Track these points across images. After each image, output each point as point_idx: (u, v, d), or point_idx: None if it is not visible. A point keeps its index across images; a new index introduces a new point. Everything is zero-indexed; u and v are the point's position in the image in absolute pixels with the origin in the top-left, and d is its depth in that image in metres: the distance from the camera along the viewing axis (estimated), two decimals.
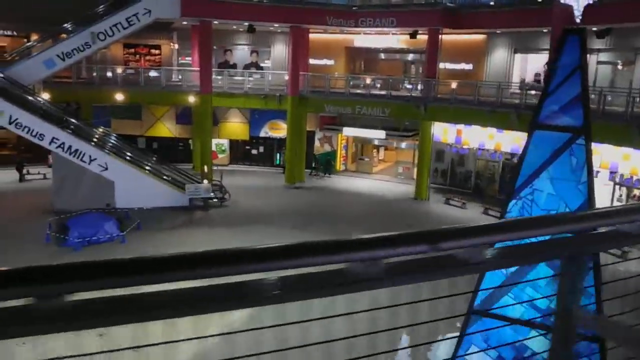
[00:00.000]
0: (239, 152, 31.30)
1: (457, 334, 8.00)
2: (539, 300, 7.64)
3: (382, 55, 30.41)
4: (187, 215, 22.39)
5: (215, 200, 23.43)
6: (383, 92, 25.33)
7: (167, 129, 30.26)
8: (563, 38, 8.46)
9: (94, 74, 26.71)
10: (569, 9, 19.84)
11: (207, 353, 10.83)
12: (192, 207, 22.82)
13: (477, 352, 7.73)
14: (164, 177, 23.19)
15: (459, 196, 24.75)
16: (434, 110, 23.24)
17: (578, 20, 9.41)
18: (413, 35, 24.22)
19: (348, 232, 15.92)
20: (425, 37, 24.18)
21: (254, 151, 31.30)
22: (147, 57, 31.11)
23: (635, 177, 18.70)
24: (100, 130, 24.80)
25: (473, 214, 23.06)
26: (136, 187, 21.67)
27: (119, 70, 27.11)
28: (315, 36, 27.84)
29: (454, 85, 22.77)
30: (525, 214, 8.44)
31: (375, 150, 32.37)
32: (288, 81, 26.02)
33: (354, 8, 25.72)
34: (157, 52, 31.22)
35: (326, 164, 29.46)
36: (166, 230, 20.36)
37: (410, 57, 29.98)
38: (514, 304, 7.38)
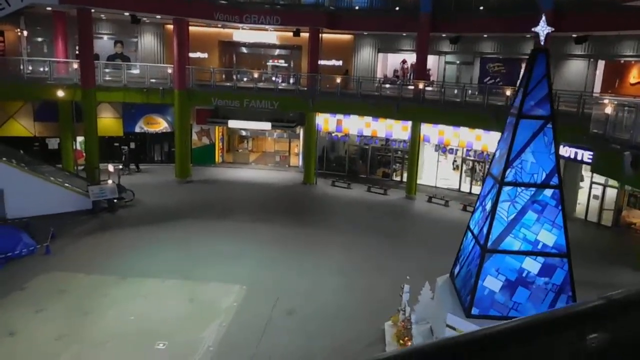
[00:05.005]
0: (108, 149, 29.15)
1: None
2: (529, 235, 11.32)
3: (253, 50, 31.83)
4: (96, 218, 20.99)
5: (117, 200, 22.25)
6: (271, 86, 27.02)
7: (22, 127, 26.48)
8: (534, 55, 12.14)
9: None
10: (430, 17, 24.57)
11: None
12: (96, 209, 21.34)
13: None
14: (61, 180, 21.11)
15: (342, 179, 28.14)
16: (321, 103, 25.96)
17: (542, 43, 13.31)
18: (296, 33, 26.45)
19: (273, 218, 18.93)
20: (300, 35, 26.58)
21: (125, 148, 29.58)
22: None
23: (485, 153, 24.61)
24: None
25: (359, 193, 26.66)
26: (31, 193, 19.53)
27: None
28: (191, 29, 27.77)
29: (338, 80, 25.84)
30: (517, 178, 11.95)
31: (245, 141, 33.70)
32: (174, 75, 25.66)
33: (222, 2, 25.71)
34: None
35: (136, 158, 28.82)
36: (85, 236, 19.07)
37: (279, 52, 32.12)
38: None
